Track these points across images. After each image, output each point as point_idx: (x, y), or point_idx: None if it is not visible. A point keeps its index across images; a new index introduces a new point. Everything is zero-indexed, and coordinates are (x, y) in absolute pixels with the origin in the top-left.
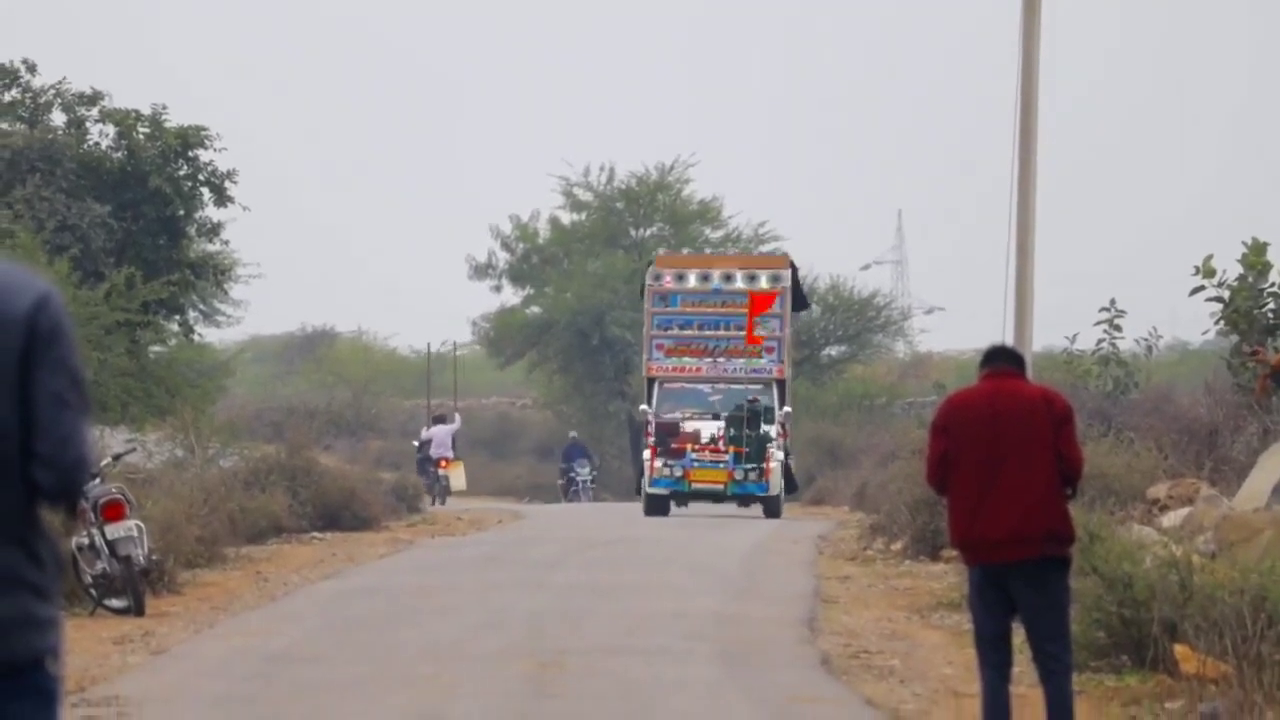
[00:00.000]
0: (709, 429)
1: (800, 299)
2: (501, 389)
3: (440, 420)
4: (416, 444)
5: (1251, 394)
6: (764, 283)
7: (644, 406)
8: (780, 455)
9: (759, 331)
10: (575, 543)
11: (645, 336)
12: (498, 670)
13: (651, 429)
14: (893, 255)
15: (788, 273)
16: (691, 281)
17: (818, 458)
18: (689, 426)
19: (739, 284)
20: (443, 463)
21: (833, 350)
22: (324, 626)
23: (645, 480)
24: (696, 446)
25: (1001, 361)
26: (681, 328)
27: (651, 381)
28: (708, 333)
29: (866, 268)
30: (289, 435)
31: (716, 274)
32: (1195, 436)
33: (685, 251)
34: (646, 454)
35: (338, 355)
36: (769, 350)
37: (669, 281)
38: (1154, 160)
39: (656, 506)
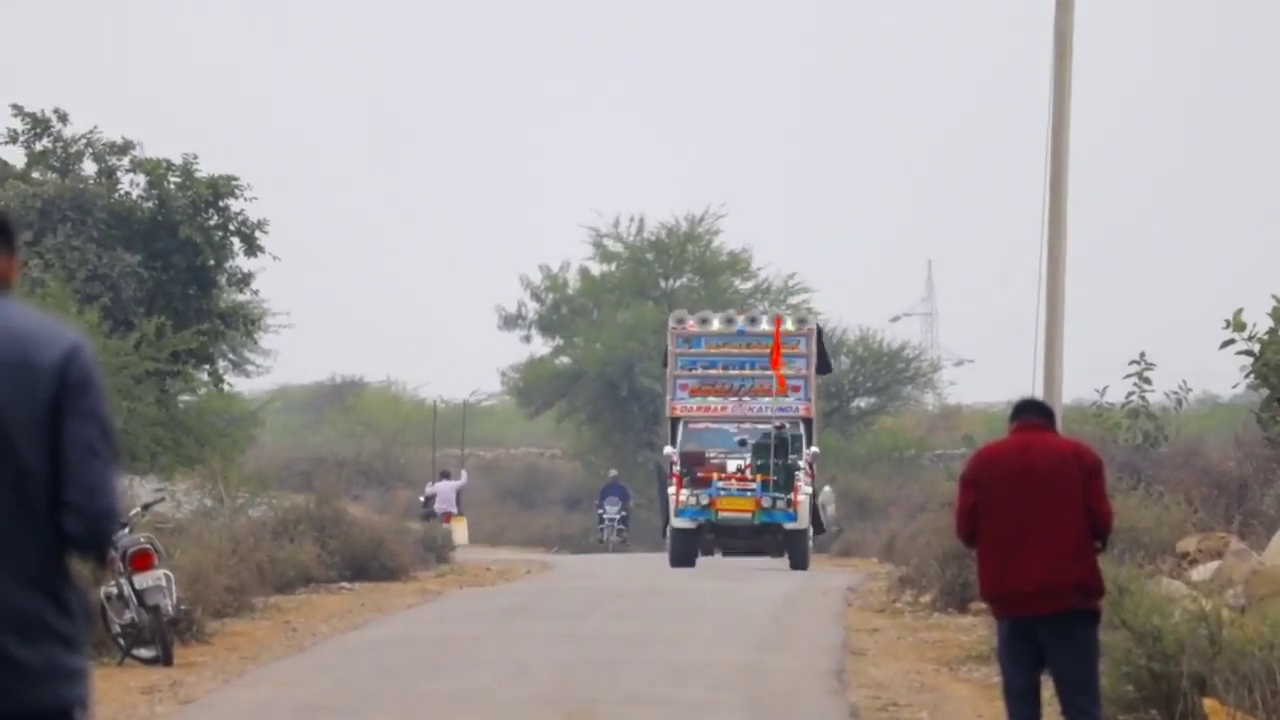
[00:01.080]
0: (736, 461)
1: (824, 362)
2: (531, 439)
3: (445, 476)
4: (422, 499)
5: None
6: (789, 324)
7: (668, 449)
8: (808, 489)
9: (786, 370)
10: (603, 593)
11: (669, 377)
12: None
13: (676, 462)
14: (923, 307)
15: (813, 318)
16: (715, 324)
17: (847, 509)
18: (715, 458)
19: (764, 326)
20: (447, 518)
21: (862, 402)
22: (352, 677)
23: (671, 511)
24: (723, 475)
25: (1031, 414)
26: (706, 368)
27: (675, 422)
28: (733, 372)
29: (896, 320)
30: (318, 485)
31: (741, 317)
32: (1225, 490)
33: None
34: (672, 488)
35: (366, 405)
36: (795, 389)
37: (692, 325)
38: (1185, 213)
39: (682, 555)
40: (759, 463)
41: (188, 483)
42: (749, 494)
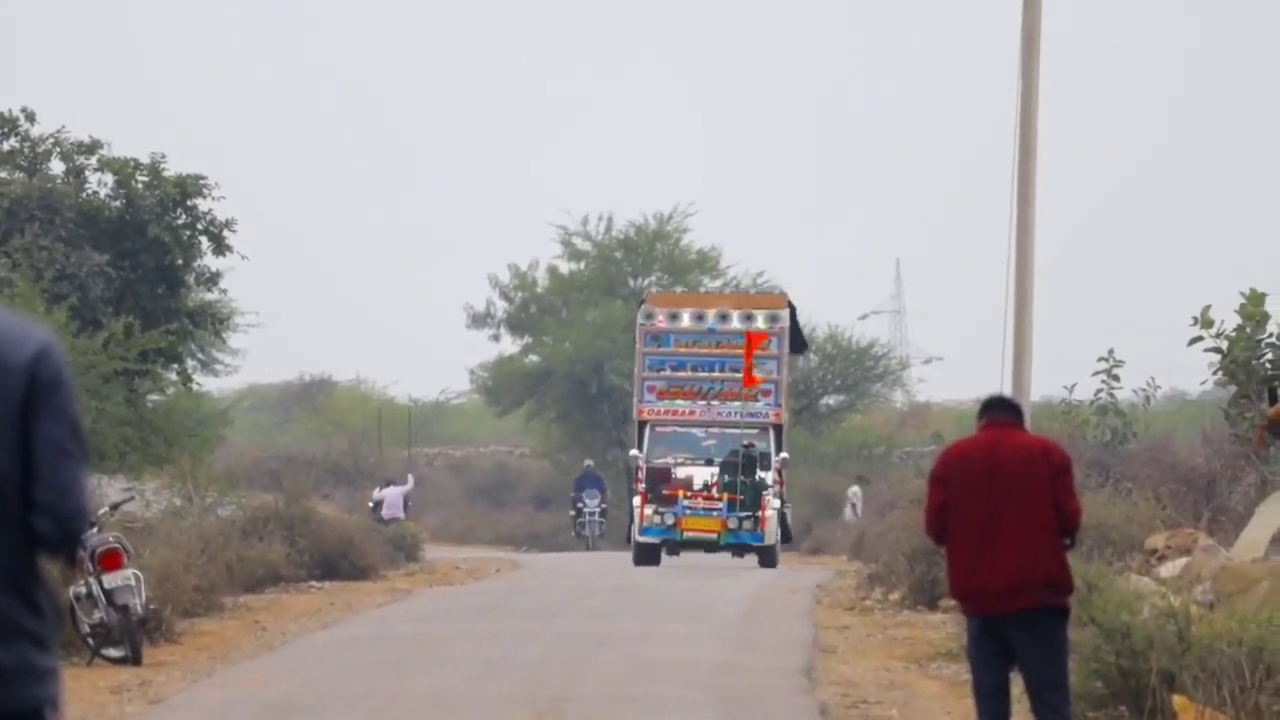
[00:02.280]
0: (702, 475)
1: (799, 340)
2: (500, 438)
3: (390, 483)
4: (370, 504)
5: (1249, 444)
6: (761, 323)
7: (634, 451)
8: (776, 504)
9: (757, 373)
10: (573, 591)
11: (636, 377)
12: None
13: (642, 474)
14: (891, 305)
15: (785, 313)
16: (685, 321)
17: (816, 507)
18: (681, 472)
19: (735, 324)
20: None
21: (831, 399)
22: (322, 676)
23: (635, 528)
24: (689, 493)
25: (1000, 412)
26: (675, 369)
27: (642, 425)
28: (702, 374)
29: (865, 317)
30: (287, 484)
31: (711, 314)
32: (1193, 486)
33: (679, 290)
34: (636, 500)
35: (336, 404)
36: (765, 393)
37: (661, 321)
38: (1153, 209)
39: (646, 556)
40: (726, 480)
41: (156, 482)
42: (715, 514)
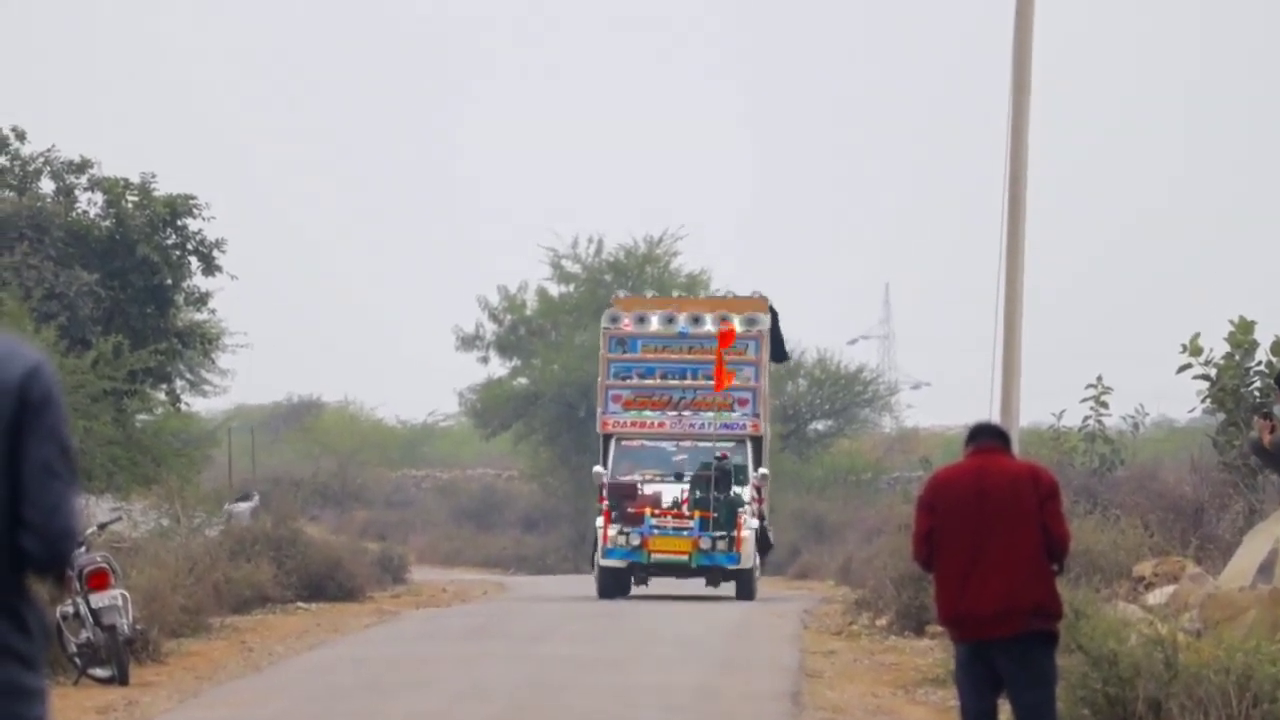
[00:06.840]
0: (671, 492)
1: (780, 349)
2: (487, 460)
3: (245, 498)
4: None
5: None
6: (737, 325)
7: (597, 468)
8: (754, 523)
9: (735, 380)
10: (559, 615)
11: (600, 387)
12: None
13: (605, 487)
14: (880, 330)
15: (766, 317)
16: (654, 324)
17: (803, 532)
18: (648, 489)
19: (708, 327)
20: None
21: (819, 424)
22: (308, 697)
23: (598, 552)
24: (657, 511)
25: (987, 438)
26: (642, 376)
27: (607, 438)
28: (672, 382)
29: (854, 342)
30: (274, 505)
31: (682, 316)
32: (1181, 514)
33: (650, 294)
34: (599, 521)
35: (324, 425)
36: (742, 402)
37: (628, 324)
38: (1142, 237)
39: (612, 585)
40: (698, 496)
41: (144, 502)
42: (686, 533)
